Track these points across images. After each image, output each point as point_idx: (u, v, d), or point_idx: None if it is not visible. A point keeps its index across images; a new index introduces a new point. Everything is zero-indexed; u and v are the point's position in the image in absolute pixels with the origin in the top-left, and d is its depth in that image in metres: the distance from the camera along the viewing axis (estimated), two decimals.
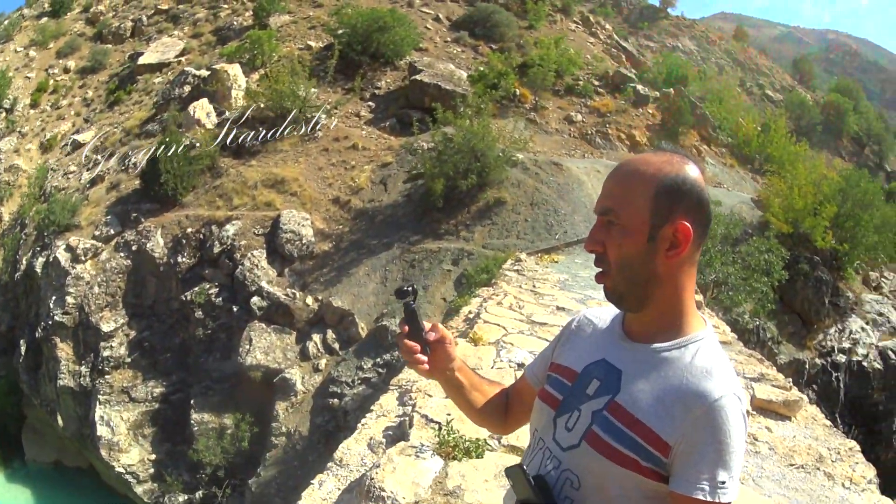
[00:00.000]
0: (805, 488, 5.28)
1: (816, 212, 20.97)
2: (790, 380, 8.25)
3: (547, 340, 7.47)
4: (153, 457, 18.43)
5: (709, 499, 1.68)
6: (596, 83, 27.92)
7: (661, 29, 59.57)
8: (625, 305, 1.94)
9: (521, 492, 1.93)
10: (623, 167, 1.90)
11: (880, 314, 22.66)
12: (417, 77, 22.94)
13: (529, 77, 25.19)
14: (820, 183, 22.85)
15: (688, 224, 1.80)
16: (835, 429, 6.77)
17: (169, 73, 29.67)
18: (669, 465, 1.74)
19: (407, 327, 2.21)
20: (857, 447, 6.17)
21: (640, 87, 28.14)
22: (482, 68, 25.05)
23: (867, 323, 21.91)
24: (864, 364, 20.40)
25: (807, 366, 19.55)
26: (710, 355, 1.82)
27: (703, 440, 1.70)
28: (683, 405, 1.73)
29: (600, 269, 1.91)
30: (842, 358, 20.28)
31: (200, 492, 17.41)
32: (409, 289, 2.23)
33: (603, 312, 2.15)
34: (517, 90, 24.68)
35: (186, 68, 27.69)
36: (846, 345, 20.69)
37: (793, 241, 20.04)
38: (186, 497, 17.53)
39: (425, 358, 2.20)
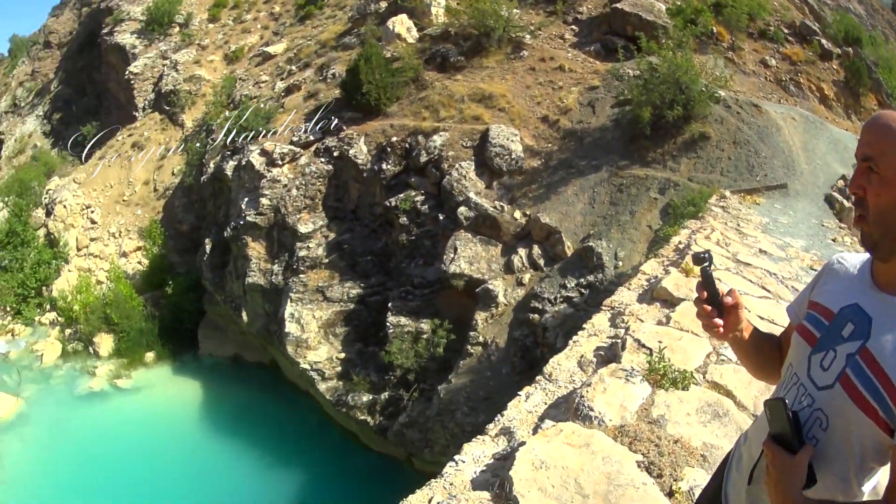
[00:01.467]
0: None
1: None
2: None
3: (751, 281, 8.36)
4: (342, 356, 18.93)
5: None
6: (785, 31, 26.98)
7: None
8: (878, 253, 1.97)
9: (776, 426, 1.98)
10: (883, 118, 1.91)
11: None
12: (618, 6, 22.65)
13: (724, 16, 24.61)
14: None
15: None
16: None
17: None
18: None
19: (705, 292, 2.32)
20: None
21: (824, 41, 27.20)
22: (680, 2, 24.61)
23: None
24: None
25: None
26: None
27: None
28: None
29: (859, 213, 1.96)
30: None
31: (386, 393, 17.78)
32: (706, 255, 2.31)
33: (853, 258, 2.20)
34: (714, 28, 24.14)
35: None
36: None
37: None
38: (371, 397, 17.93)
39: (721, 321, 2.32)
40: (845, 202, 17.55)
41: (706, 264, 2.32)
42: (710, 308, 2.32)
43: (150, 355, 24.05)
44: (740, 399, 5.03)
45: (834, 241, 13.72)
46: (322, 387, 18.84)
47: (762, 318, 6.75)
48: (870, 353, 1.88)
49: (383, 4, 26.25)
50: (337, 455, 18.86)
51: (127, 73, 34.46)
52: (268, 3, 34.32)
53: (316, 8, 30.71)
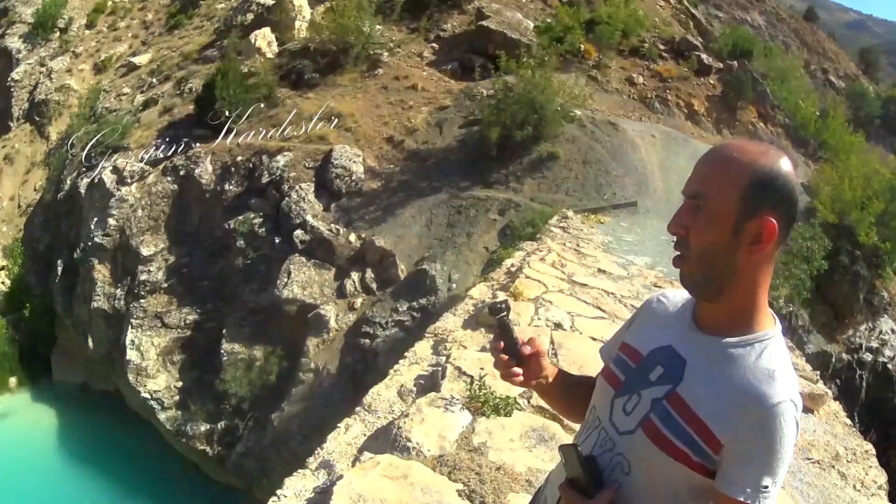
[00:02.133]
0: (818, 484, 5.36)
1: (864, 206, 20.42)
2: (818, 372, 8.44)
3: (586, 302, 8.25)
4: (180, 384, 18.31)
5: (750, 502, 1.70)
6: (661, 47, 27.21)
7: (733, 0, 58.34)
8: (698, 293, 1.89)
9: (571, 470, 1.94)
10: (718, 152, 1.85)
11: None
12: (484, 23, 22.43)
13: (595, 34, 24.57)
14: (872, 177, 22.27)
15: (774, 221, 1.75)
16: (854, 428, 6.82)
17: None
18: (718, 462, 1.75)
19: (502, 342, 2.17)
20: (873, 450, 6.24)
21: (704, 56, 27.42)
22: (549, 20, 24.55)
23: None
24: (890, 367, 20.26)
25: (833, 359, 19.30)
26: (775, 357, 1.79)
27: (755, 444, 1.71)
28: (741, 406, 1.72)
29: (679, 253, 1.86)
30: (868, 357, 20.09)
31: (223, 422, 17.27)
32: (503, 305, 2.20)
33: (675, 295, 2.10)
34: (582, 46, 24.08)
35: None
36: (874, 344, 20.46)
37: (836, 231, 19.43)
38: (209, 427, 17.40)
39: (520, 371, 2.17)
40: None
41: (503, 314, 2.18)
42: (507, 357, 2.14)
43: (13, 380, 22.94)
44: (568, 422, 4.88)
45: None
46: (162, 416, 18.13)
47: (595, 339, 6.71)
48: (680, 398, 1.81)
49: (250, 16, 25.59)
50: (180, 486, 18.27)
51: (9, 79, 33.12)
52: (142, 10, 33.33)
53: (186, 18, 29.85)
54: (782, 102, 29.93)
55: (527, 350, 2.15)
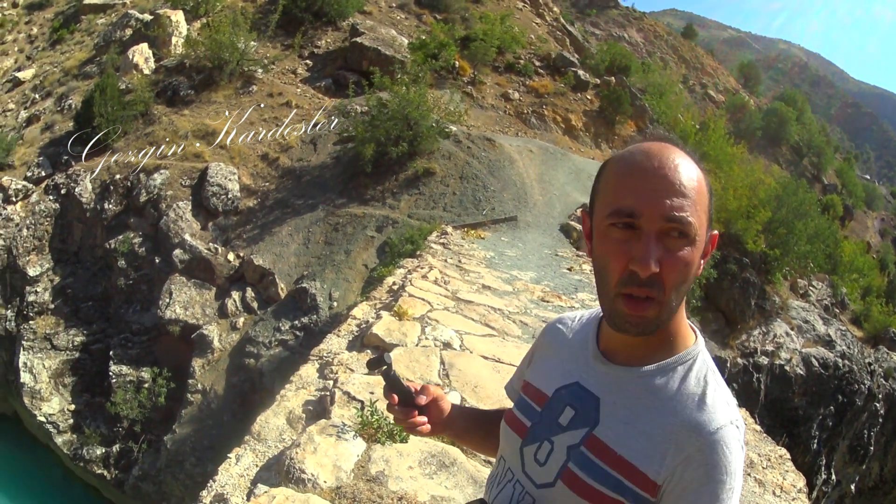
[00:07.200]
0: None
1: (750, 215, 20.87)
2: None
3: (473, 320, 7.86)
4: (73, 407, 17.62)
5: None
6: (537, 63, 27.32)
7: (610, 18, 59.57)
8: (651, 332, 1.51)
9: None
10: (677, 162, 1.46)
11: (806, 321, 22.80)
12: (358, 39, 22.10)
13: (471, 51, 24.44)
14: (756, 187, 22.83)
15: (715, 230, 1.55)
16: (765, 434, 6.59)
17: (113, 14, 28.30)
18: None
19: (395, 396, 1.92)
20: (787, 455, 6.04)
21: (581, 72, 27.63)
22: (424, 37, 24.29)
23: (792, 329, 22.01)
24: (787, 368, 20.48)
25: (728, 364, 19.55)
26: (701, 377, 1.53)
27: (698, 479, 1.43)
28: (674, 440, 1.46)
29: (647, 296, 1.45)
30: (764, 360, 20.36)
31: (118, 445, 16.68)
32: (382, 357, 1.96)
33: (574, 320, 1.84)
34: (457, 62, 23.98)
35: (130, 11, 26.32)
36: (769, 347, 20.77)
37: (723, 240, 19.83)
38: (104, 450, 16.79)
39: (425, 419, 1.93)
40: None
41: (386, 368, 1.94)
42: (406, 410, 1.90)
43: None
44: (469, 449, 4.53)
45: (570, 269, 13.37)
46: (59, 440, 17.35)
47: (486, 358, 6.44)
48: (600, 442, 1.52)
49: (129, 32, 24.75)
50: None
51: None
52: (28, 24, 31.91)
53: (68, 32, 28.64)
54: (661, 116, 30.38)
55: (423, 400, 1.92)
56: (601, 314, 1.67)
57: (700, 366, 1.56)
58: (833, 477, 22.57)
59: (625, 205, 1.43)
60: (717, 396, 1.50)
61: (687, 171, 1.45)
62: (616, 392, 1.57)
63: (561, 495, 1.56)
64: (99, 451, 16.74)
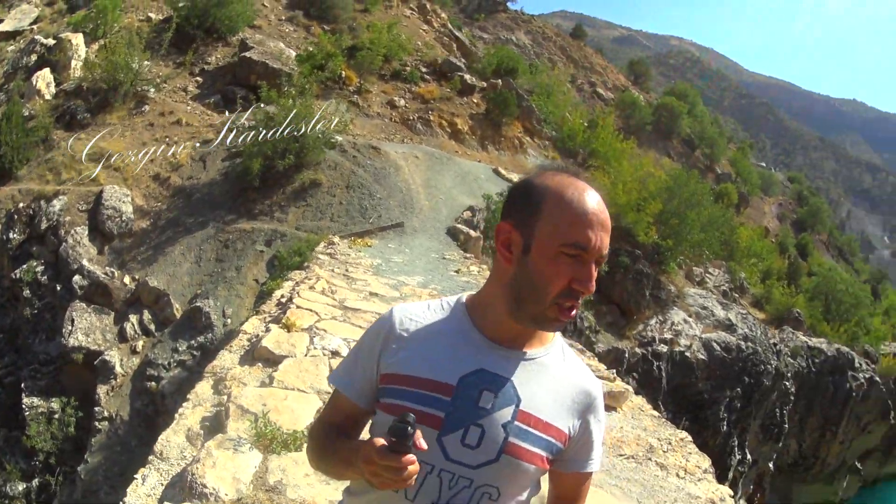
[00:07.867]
0: (637, 479, 5.34)
1: (640, 208, 21.31)
2: (614, 371, 8.57)
3: (360, 327, 7.78)
4: None
5: (595, 469, 1.92)
6: (423, 70, 27.51)
7: (498, 22, 59.37)
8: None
9: None
10: (603, 204, 1.88)
11: (704, 308, 23.50)
12: (246, 54, 22.14)
13: (357, 60, 24.64)
14: (646, 180, 23.29)
15: None
16: (663, 419, 6.87)
17: (21, 41, 27.95)
18: (564, 451, 1.85)
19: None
20: (689, 437, 6.35)
21: (467, 76, 27.83)
22: (311, 48, 24.39)
23: (690, 315, 22.58)
24: (688, 354, 21.00)
25: (626, 354, 20.00)
26: (569, 354, 1.94)
27: (597, 426, 1.90)
28: (575, 400, 1.86)
29: (570, 305, 1.77)
30: (663, 348, 20.85)
31: (37, 479, 16.21)
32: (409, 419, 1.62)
33: (420, 313, 1.93)
34: (343, 72, 24.11)
35: (36, 37, 25.91)
36: (668, 335, 21.30)
37: (614, 234, 20.53)
38: (25, 485, 16.28)
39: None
40: (471, 232, 17.92)
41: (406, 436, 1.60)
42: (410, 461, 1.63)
43: None
44: None
45: (457, 272, 13.68)
46: None
47: None
48: (527, 413, 1.77)
49: (34, 57, 24.41)
50: None
51: None
52: None
53: None
54: (548, 116, 30.87)
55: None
56: (458, 304, 1.93)
57: (564, 345, 1.94)
58: (748, 456, 23.24)
59: (580, 241, 1.74)
60: (583, 364, 1.94)
61: (606, 208, 1.86)
62: (521, 372, 1.81)
63: (505, 466, 1.75)
64: (21, 486, 16.30)
